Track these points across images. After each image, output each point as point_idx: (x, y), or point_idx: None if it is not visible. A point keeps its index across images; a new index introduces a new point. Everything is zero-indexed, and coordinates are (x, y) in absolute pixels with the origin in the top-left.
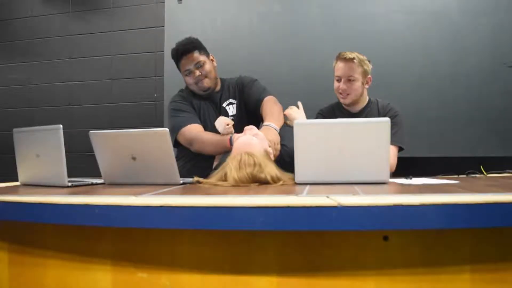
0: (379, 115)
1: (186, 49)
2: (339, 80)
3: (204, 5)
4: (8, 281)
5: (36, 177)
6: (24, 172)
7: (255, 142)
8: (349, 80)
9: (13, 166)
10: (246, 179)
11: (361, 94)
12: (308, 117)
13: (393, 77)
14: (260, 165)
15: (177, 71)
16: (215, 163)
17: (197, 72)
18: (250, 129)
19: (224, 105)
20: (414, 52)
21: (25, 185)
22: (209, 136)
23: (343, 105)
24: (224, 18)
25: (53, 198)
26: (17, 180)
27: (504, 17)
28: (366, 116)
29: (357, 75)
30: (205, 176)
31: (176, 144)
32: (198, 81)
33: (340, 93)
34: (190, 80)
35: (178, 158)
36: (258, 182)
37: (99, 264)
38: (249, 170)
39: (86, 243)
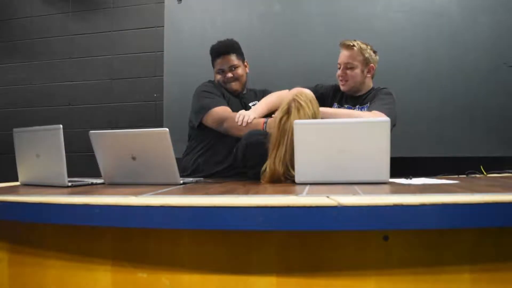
0: (373, 97)
1: (225, 50)
2: (340, 67)
3: (204, 5)
4: (8, 281)
5: (36, 177)
6: (24, 172)
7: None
8: (348, 67)
9: (13, 166)
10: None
11: (361, 82)
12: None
13: (393, 77)
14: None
15: (177, 71)
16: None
17: (229, 74)
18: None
19: (250, 104)
20: (414, 52)
21: (25, 185)
22: None
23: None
24: (224, 18)
25: (53, 198)
26: (17, 180)
27: (504, 16)
28: (363, 102)
29: (356, 62)
30: (214, 172)
31: (198, 126)
32: (227, 81)
33: (340, 80)
34: (220, 78)
35: (187, 152)
36: None
37: (99, 264)
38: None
39: (86, 243)
